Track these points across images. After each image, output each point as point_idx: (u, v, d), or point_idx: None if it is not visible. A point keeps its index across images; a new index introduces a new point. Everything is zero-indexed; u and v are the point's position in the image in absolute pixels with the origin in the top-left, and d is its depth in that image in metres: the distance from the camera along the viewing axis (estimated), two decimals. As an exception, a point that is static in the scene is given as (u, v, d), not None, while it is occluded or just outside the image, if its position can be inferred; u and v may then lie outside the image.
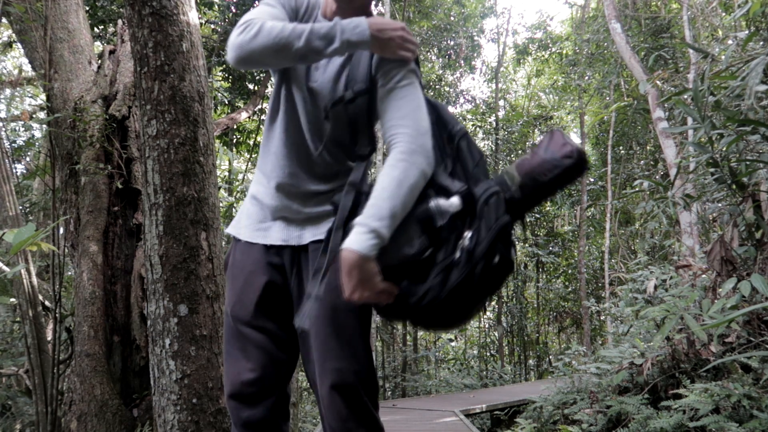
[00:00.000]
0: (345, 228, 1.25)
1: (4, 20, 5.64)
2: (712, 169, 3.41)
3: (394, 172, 1.23)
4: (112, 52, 5.11)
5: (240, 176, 11.85)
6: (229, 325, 1.43)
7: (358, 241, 1.17)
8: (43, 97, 5.21)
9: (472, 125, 14.43)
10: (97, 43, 7.92)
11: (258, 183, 1.47)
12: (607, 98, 11.98)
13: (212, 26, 9.88)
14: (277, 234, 1.42)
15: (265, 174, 1.44)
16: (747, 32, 4.37)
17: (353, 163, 1.40)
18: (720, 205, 4.47)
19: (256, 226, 1.45)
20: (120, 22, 5.26)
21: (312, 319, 1.29)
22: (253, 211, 1.47)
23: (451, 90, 13.88)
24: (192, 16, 3.02)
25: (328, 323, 1.32)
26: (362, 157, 1.40)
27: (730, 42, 5.41)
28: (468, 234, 1.22)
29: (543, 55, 15.16)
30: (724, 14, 7.89)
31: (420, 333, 14.42)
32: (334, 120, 1.36)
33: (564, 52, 14.56)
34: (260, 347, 1.38)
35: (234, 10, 9.33)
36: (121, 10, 8.02)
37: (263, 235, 1.43)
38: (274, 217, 1.43)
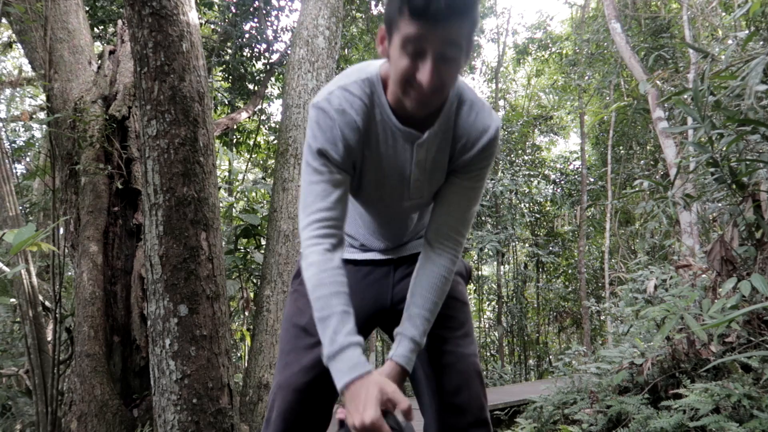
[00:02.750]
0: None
1: (4, 20, 5.65)
2: (712, 169, 3.41)
3: (446, 287, 1.30)
4: (112, 52, 5.10)
5: (240, 176, 11.85)
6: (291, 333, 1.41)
7: (412, 360, 1.24)
8: (43, 97, 5.21)
9: (472, 125, 14.40)
10: (97, 43, 7.93)
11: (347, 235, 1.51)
12: (607, 98, 11.98)
13: (212, 26, 9.88)
14: (372, 254, 1.48)
15: (354, 237, 1.51)
16: (747, 32, 4.37)
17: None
18: (720, 205, 4.47)
19: (348, 249, 1.49)
20: (120, 22, 5.26)
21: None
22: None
23: (451, 90, 13.85)
24: (192, 16, 3.02)
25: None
26: None
27: (730, 42, 5.41)
28: None
29: (543, 55, 15.16)
30: (724, 14, 7.90)
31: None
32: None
33: (564, 52, 14.56)
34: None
35: (234, 10, 9.33)
36: (121, 10, 8.02)
37: (357, 255, 1.49)
38: (365, 249, 1.50)
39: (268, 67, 9.94)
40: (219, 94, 10.19)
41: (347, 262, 1.44)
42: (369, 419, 1.02)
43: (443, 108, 1.23)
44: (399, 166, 1.27)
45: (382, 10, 10.52)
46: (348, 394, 1.07)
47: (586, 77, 12.68)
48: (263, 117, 11.04)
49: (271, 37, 9.61)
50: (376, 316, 1.47)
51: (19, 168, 9.53)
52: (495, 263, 14.42)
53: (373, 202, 1.37)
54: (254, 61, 9.89)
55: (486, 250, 12.62)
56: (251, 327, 6.33)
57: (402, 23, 1.05)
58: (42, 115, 8.53)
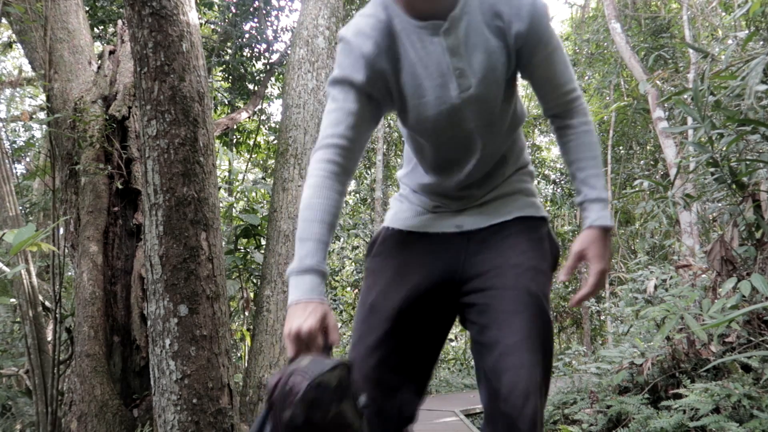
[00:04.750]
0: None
1: (4, 20, 5.65)
2: (712, 169, 3.41)
3: (592, 137, 1.30)
4: (112, 52, 5.10)
5: (240, 176, 11.85)
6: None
7: (607, 216, 1.25)
8: (43, 97, 5.21)
9: (472, 125, 14.42)
10: (97, 43, 7.93)
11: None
12: (607, 98, 11.98)
13: (212, 26, 9.89)
14: (445, 225, 1.36)
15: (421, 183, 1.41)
16: (747, 32, 4.36)
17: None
18: (720, 205, 4.47)
19: (418, 218, 1.39)
20: (120, 22, 5.26)
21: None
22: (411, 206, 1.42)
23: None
24: (192, 16, 3.02)
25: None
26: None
27: (730, 42, 5.41)
28: None
29: (543, 55, 15.13)
30: (724, 14, 7.89)
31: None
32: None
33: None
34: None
35: (234, 10, 9.33)
36: (121, 10, 8.03)
37: (428, 224, 1.38)
38: (437, 210, 1.39)
39: (268, 67, 9.94)
40: (219, 94, 10.19)
41: (417, 234, 1.36)
42: (307, 326, 1.03)
43: None
44: (435, 62, 1.20)
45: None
46: (294, 308, 1.08)
47: (586, 77, 12.68)
48: (263, 117, 11.04)
49: (271, 37, 9.61)
50: (442, 288, 1.32)
51: (19, 168, 9.53)
52: (495, 263, 14.41)
53: (426, 119, 1.26)
54: (254, 61, 9.89)
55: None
56: (251, 327, 6.32)
57: None
58: (42, 115, 8.54)
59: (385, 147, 12.71)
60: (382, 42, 1.20)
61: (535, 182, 15.14)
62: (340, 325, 13.19)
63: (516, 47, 1.21)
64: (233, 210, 9.25)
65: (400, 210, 1.42)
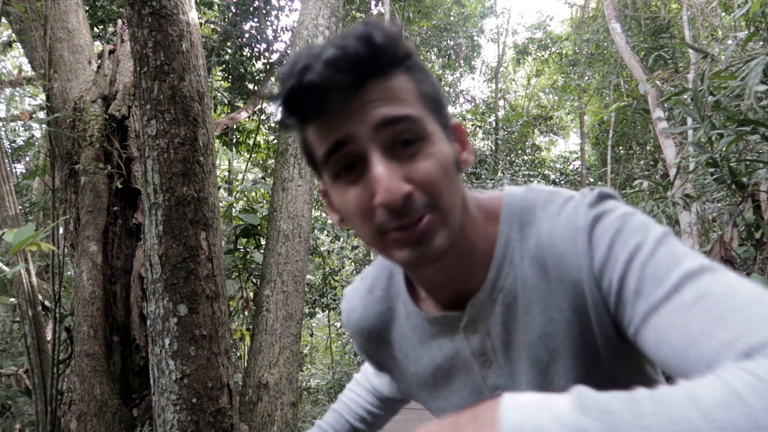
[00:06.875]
0: None
1: (3, 20, 5.64)
2: (711, 169, 3.41)
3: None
4: (111, 51, 5.10)
5: (240, 176, 11.85)
6: None
7: None
8: (43, 97, 5.21)
9: (472, 125, 14.46)
10: (97, 42, 7.93)
11: None
12: (607, 98, 11.99)
13: (212, 26, 9.89)
14: None
15: None
16: (747, 32, 4.37)
17: None
18: (720, 205, 4.47)
19: None
20: (120, 21, 5.26)
21: None
22: None
23: (450, 90, 13.90)
24: (192, 16, 3.02)
25: None
26: None
27: (729, 42, 5.41)
28: None
29: (543, 55, 15.18)
30: (723, 14, 7.90)
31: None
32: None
33: (564, 52, 14.57)
34: None
35: (234, 10, 9.34)
36: (121, 9, 8.03)
37: None
38: None
39: (268, 66, 9.94)
40: (219, 94, 10.19)
41: None
42: None
43: (496, 250, 0.68)
44: (458, 374, 0.77)
45: (382, 10, 10.53)
46: None
47: (586, 77, 12.69)
48: (263, 117, 11.05)
49: (271, 37, 9.62)
50: None
51: (19, 167, 9.53)
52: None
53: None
54: (254, 61, 9.90)
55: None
56: (251, 327, 6.32)
57: (312, 143, 0.62)
58: (42, 114, 8.53)
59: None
60: (372, 329, 0.83)
61: (535, 182, 15.30)
62: (339, 325, 13.17)
63: (600, 329, 0.65)
64: (233, 210, 9.25)
65: None
